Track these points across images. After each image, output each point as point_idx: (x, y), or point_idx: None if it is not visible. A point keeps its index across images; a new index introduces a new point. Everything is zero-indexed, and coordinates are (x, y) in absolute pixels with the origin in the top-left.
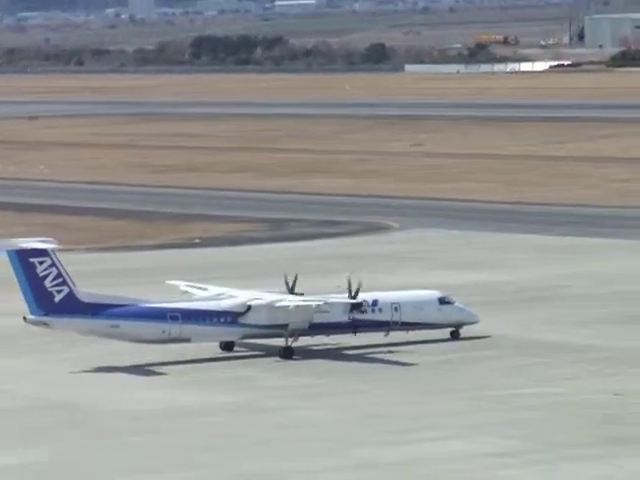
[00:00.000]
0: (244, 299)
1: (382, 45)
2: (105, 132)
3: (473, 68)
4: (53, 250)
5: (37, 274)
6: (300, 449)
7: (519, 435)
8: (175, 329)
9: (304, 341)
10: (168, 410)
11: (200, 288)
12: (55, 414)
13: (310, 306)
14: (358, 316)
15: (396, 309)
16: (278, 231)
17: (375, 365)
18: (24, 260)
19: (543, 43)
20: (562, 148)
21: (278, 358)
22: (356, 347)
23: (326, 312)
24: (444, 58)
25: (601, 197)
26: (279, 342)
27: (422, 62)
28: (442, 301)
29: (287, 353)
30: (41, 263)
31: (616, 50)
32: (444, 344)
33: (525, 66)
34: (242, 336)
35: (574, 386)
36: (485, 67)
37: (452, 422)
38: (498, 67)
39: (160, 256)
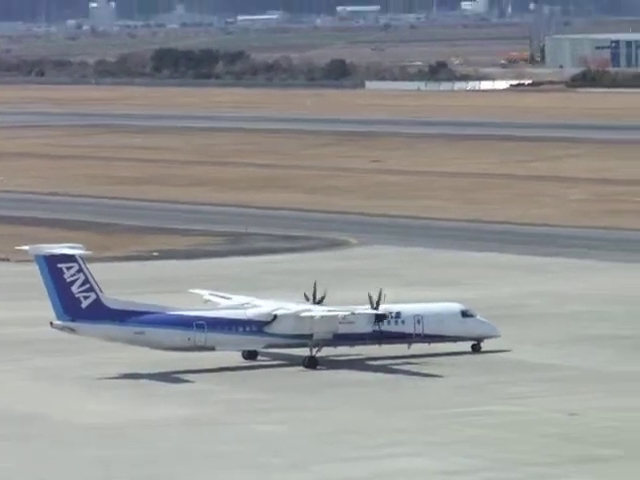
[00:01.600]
0: (270, 309)
1: (342, 61)
2: (64, 143)
3: (434, 86)
4: (81, 256)
5: (65, 279)
6: (259, 464)
7: (478, 453)
8: (200, 337)
9: (327, 351)
10: (124, 423)
11: (224, 297)
12: (7, 425)
13: (336, 317)
14: (376, 328)
15: (419, 321)
16: (236, 245)
17: (334, 380)
18: (52, 265)
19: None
20: (521, 167)
21: (302, 368)
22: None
23: (351, 323)
24: (405, 75)
25: (559, 217)
26: (303, 352)
27: (383, 79)
28: (464, 314)
29: (311, 363)
30: (69, 269)
31: (576, 70)
32: (406, 360)
33: (485, 84)
34: (266, 345)
35: (531, 405)
36: (446, 85)
37: (412, 439)
38: (459, 85)
39: (123, 268)
